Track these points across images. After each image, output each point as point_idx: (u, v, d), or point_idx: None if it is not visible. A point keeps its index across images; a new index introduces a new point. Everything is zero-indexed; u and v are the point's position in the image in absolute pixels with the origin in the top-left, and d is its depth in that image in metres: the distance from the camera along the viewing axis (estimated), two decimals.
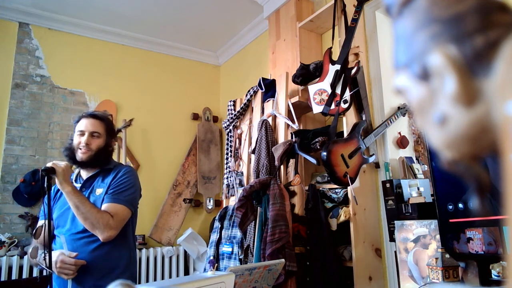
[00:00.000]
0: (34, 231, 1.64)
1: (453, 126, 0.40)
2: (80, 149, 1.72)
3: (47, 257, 1.44)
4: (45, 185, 1.50)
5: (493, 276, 1.39)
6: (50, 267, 1.44)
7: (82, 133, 1.74)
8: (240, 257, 2.42)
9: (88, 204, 1.59)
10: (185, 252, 3.54)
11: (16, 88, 3.22)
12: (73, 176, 1.83)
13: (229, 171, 3.09)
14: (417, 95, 0.43)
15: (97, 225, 1.56)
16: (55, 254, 1.56)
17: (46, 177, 1.51)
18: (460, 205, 1.47)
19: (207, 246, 2.95)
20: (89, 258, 1.59)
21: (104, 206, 1.64)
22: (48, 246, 1.46)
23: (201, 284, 1.05)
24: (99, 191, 1.72)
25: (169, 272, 3.41)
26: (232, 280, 1.15)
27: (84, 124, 1.75)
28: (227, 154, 3.24)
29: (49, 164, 1.57)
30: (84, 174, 1.80)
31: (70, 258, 1.54)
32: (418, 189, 1.98)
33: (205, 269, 2.98)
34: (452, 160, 0.41)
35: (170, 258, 3.46)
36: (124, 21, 3.56)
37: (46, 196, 1.50)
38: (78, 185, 1.76)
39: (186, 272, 3.55)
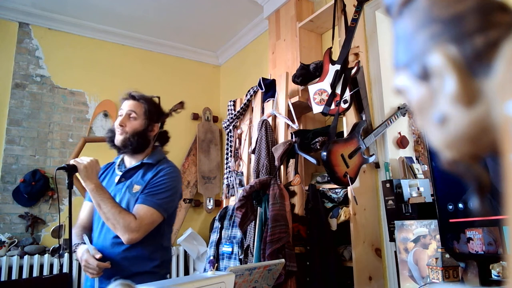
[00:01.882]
0: (52, 230, 1.60)
1: (453, 126, 0.40)
2: (118, 130, 1.64)
3: (72, 253, 1.42)
4: (66, 183, 1.46)
5: (493, 276, 1.39)
6: (71, 266, 1.40)
7: (120, 115, 1.66)
8: (240, 257, 2.42)
9: (110, 203, 1.48)
10: (185, 252, 3.54)
11: (16, 88, 3.22)
12: (118, 161, 1.74)
13: (229, 171, 3.09)
14: (417, 95, 0.42)
15: (117, 226, 1.47)
16: (81, 250, 1.51)
17: (67, 175, 1.45)
18: (460, 205, 1.47)
19: (207, 246, 2.95)
20: (119, 259, 1.52)
21: (135, 207, 1.54)
22: (69, 245, 1.44)
23: (201, 284, 1.05)
24: (136, 188, 1.60)
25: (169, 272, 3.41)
26: (232, 280, 1.15)
27: (124, 105, 1.68)
28: (227, 154, 3.24)
29: (71, 161, 1.50)
30: (128, 162, 1.70)
31: (93, 259, 1.47)
32: (418, 189, 1.98)
33: (205, 269, 2.98)
34: (452, 160, 0.41)
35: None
36: (124, 21, 3.56)
37: (57, 194, 1.49)
38: (120, 173, 1.68)
39: (186, 272, 3.55)
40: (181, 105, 1.85)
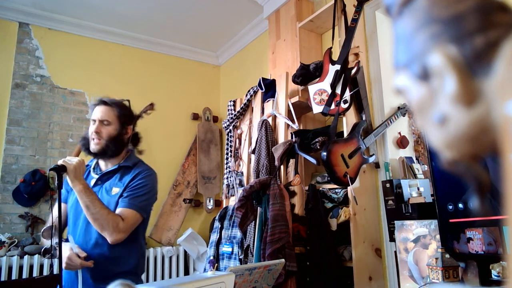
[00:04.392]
0: (42, 231, 1.61)
1: (453, 126, 0.40)
2: (93, 139, 1.66)
3: (58, 253, 1.41)
4: (56, 184, 1.45)
5: (493, 276, 1.39)
6: (61, 268, 1.40)
7: (94, 122, 1.69)
8: (240, 257, 2.42)
9: (99, 204, 1.51)
10: (185, 252, 3.54)
11: (16, 88, 3.22)
12: (93, 164, 1.78)
13: (229, 171, 3.09)
14: (417, 95, 0.43)
15: (106, 226, 1.51)
16: (65, 248, 1.52)
17: (57, 175, 1.45)
18: (460, 205, 1.47)
19: (207, 246, 2.95)
20: (101, 260, 1.56)
21: (118, 210, 1.59)
22: (59, 246, 1.42)
23: (201, 284, 1.05)
24: (115, 190, 1.65)
25: (169, 272, 3.41)
26: (232, 280, 1.15)
27: (96, 112, 1.70)
28: (227, 154, 3.24)
29: (59, 162, 1.50)
30: (103, 165, 1.74)
31: (76, 257, 1.50)
32: (418, 189, 1.98)
33: (205, 269, 2.98)
34: (452, 160, 0.41)
35: (170, 258, 3.46)
36: (124, 21, 3.56)
37: (48, 195, 1.48)
38: (95, 176, 1.72)
39: (186, 272, 3.55)
40: (151, 106, 1.92)
